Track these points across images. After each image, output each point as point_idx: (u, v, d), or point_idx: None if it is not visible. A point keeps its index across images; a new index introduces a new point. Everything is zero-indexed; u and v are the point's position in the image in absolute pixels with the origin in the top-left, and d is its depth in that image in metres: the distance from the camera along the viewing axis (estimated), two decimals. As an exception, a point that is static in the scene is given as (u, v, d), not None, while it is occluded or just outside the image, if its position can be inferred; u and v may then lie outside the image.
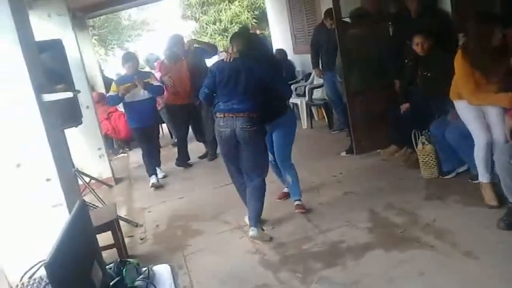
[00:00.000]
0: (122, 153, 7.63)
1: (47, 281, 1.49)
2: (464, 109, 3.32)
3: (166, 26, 17.99)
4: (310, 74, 7.14)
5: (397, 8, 4.88)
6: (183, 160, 5.95)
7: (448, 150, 3.82)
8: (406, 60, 4.45)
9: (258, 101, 3.41)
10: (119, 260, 1.71)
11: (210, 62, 5.68)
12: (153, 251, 3.68)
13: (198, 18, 14.81)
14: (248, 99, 3.37)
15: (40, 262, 1.52)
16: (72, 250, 1.36)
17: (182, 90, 5.63)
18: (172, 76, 5.58)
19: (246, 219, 3.68)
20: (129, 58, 5.18)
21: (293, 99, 6.52)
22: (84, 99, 5.26)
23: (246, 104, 3.37)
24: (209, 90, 3.49)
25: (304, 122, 6.87)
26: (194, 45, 5.92)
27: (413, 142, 4.10)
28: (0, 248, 2.41)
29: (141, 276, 1.69)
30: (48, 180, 2.38)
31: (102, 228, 3.14)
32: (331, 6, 4.78)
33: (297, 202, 3.86)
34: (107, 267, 1.64)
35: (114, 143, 7.73)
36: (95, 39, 15.12)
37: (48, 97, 2.44)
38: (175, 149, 6.15)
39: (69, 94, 2.77)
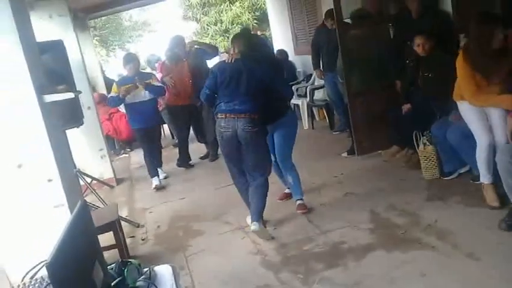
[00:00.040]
0: (123, 153, 7.64)
1: (49, 281, 1.50)
2: (467, 110, 3.32)
3: (167, 27, 18.02)
4: (311, 74, 7.14)
5: (397, 9, 4.88)
6: (184, 161, 5.96)
7: (449, 151, 3.82)
8: (407, 61, 4.45)
9: (259, 101, 3.42)
10: (120, 260, 1.71)
11: (211, 63, 5.69)
12: (155, 252, 3.68)
13: (199, 19, 14.83)
14: (249, 100, 3.38)
15: (41, 262, 1.52)
16: (74, 250, 1.36)
17: (183, 91, 5.63)
18: (174, 77, 5.58)
19: (248, 220, 3.68)
20: (130, 59, 5.18)
21: (294, 100, 6.52)
22: (86, 100, 5.27)
23: (247, 104, 3.37)
24: (210, 91, 3.49)
25: (305, 122, 6.87)
26: (195, 47, 5.92)
27: (415, 143, 4.09)
28: (1, 248, 2.41)
29: (142, 277, 1.69)
30: (49, 180, 2.37)
31: (104, 229, 3.14)
32: (331, 7, 4.78)
33: (298, 202, 3.87)
34: (108, 267, 1.65)
35: (115, 144, 7.73)
36: (96, 40, 15.14)
37: (50, 98, 2.44)
38: (177, 150, 6.15)
39: (71, 95, 2.77)
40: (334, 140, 6.00)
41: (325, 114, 6.72)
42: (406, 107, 4.38)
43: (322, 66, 6.19)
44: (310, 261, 3.04)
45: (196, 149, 6.30)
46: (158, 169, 5.48)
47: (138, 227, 4.24)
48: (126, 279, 1.62)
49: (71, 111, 4.07)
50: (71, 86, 3.74)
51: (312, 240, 3.32)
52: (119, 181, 5.92)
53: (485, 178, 3.31)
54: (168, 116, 6.36)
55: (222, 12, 14.03)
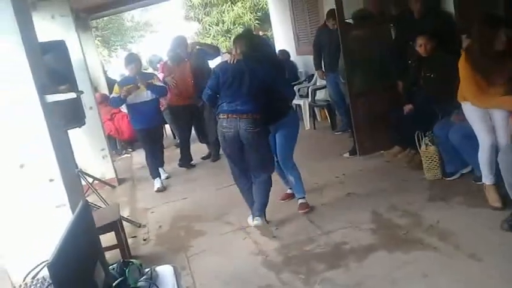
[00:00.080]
0: (125, 153, 7.64)
1: (50, 282, 1.50)
2: (470, 111, 3.31)
3: (169, 27, 18.03)
4: (313, 75, 7.13)
5: (398, 9, 4.88)
6: (186, 161, 5.96)
7: (451, 152, 3.81)
8: (409, 61, 4.45)
9: (261, 102, 3.43)
10: (121, 260, 1.71)
11: (212, 63, 5.69)
12: (156, 252, 3.68)
13: (201, 20, 14.82)
14: (251, 101, 3.39)
15: (43, 262, 1.52)
16: (75, 251, 1.36)
17: (185, 91, 5.63)
18: (175, 77, 5.59)
19: (249, 220, 3.69)
20: (132, 60, 5.17)
21: (296, 100, 6.51)
22: (88, 100, 5.27)
23: (249, 105, 3.38)
24: (212, 92, 3.50)
25: (307, 123, 6.87)
26: (197, 47, 5.93)
27: (417, 143, 4.09)
28: (3, 248, 2.41)
29: (143, 277, 1.69)
30: (51, 180, 2.38)
31: (105, 229, 3.15)
32: (333, 7, 4.78)
33: (300, 200, 3.88)
34: (109, 267, 1.65)
35: (117, 144, 7.74)
36: (98, 40, 15.14)
37: (52, 98, 2.44)
38: (178, 150, 6.16)
39: (73, 95, 2.77)
40: (335, 140, 5.99)
41: (327, 114, 6.72)
42: (408, 108, 4.37)
43: (324, 67, 6.19)
44: (312, 262, 3.04)
45: (198, 149, 6.30)
46: (160, 169, 5.48)
47: (139, 227, 4.24)
48: (127, 280, 1.62)
49: (73, 111, 4.08)
50: (73, 86, 3.75)
51: (314, 241, 3.32)
52: (121, 181, 5.93)
53: (487, 179, 3.31)
54: (169, 116, 6.37)
55: (223, 13, 14.02)
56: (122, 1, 8.12)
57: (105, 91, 7.87)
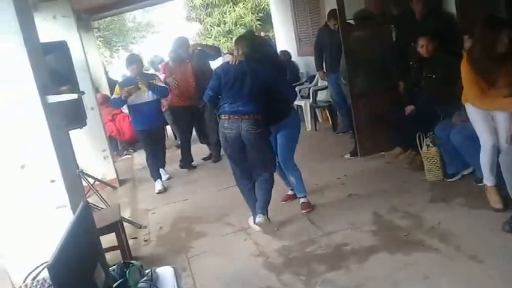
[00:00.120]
0: (126, 154, 7.64)
1: (50, 283, 1.49)
2: (473, 113, 3.31)
3: (171, 28, 18.05)
4: (314, 76, 7.13)
5: (400, 10, 4.87)
6: (187, 162, 5.96)
7: (452, 153, 3.81)
8: (411, 62, 4.44)
9: (262, 102, 3.43)
10: (122, 261, 1.71)
11: (214, 64, 5.69)
12: (157, 253, 3.68)
13: (203, 20, 14.84)
14: (253, 101, 3.39)
15: (43, 263, 1.52)
16: (76, 252, 1.36)
17: (186, 92, 5.63)
18: (177, 78, 5.59)
19: (250, 222, 3.69)
20: (133, 60, 5.16)
21: (297, 101, 6.51)
22: (89, 101, 5.27)
23: (251, 106, 3.38)
24: (214, 92, 3.50)
25: (308, 124, 6.86)
26: (198, 48, 5.93)
27: (418, 144, 4.08)
28: (4, 249, 2.42)
29: (144, 278, 1.68)
30: (52, 181, 2.38)
31: (106, 230, 3.14)
32: (335, 7, 4.78)
33: (302, 200, 3.89)
34: (110, 269, 1.64)
35: (118, 145, 7.74)
36: (100, 41, 15.16)
37: (53, 98, 2.45)
38: (179, 151, 6.16)
39: (74, 95, 2.78)
40: (337, 141, 5.98)
41: (328, 115, 6.71)
42: (409, 109, 4.37)
43: (325, 67, 6.19)
44: (313, 263, 3.03)
45: (199, 150, 6.30)
46: (161, 170, 5.48)
47: (140, 228, 4.24)
48: (128, 281, 1.62)
49: (74, 112, 4.08)
50: (74, 87, 3.76)
51: (315, 242, 3.31)
52: (122, 182, 5.93)
53: (488, 180, 3.30)
54: (170, 117, 6.37)
55: (225, 14, 14.04)
56: (124, 2, 8.13)
57: (107, 92, 7.87)
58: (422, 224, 3.27)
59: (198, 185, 5.24)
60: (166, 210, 4.64)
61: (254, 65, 3.42)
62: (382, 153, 4.85)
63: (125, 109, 6.25)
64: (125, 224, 3.85)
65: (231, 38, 13.25)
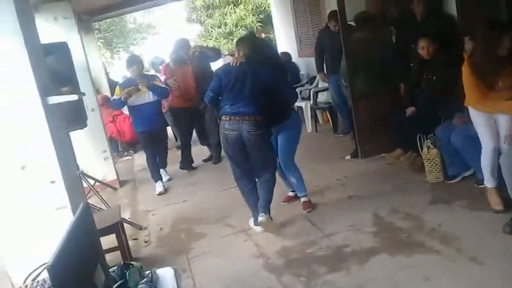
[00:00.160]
0: (126, 155, 7.64)
1: (50, 284, 1.49)
2: (476, 116, 3.30)
3: (172, 29, 18.06)
4: (315, 77, 7.13)
5: (400, 11, 4.87)
6: (187, 163, 5.96)
7: (453, 154, 3.80)
8: (412, 64, 4.44)
9: (263, 104, 3.43)
10: (122, 263, 1.71)
11: (214, 66, 5.69)
12: (157, 254, 3.68)
13: (203, 22, 14.86)
14: (254, 103, 3.40)
15: (43, 264, 1.52)
16: (76, 253, 1.35)
17: (186, 94, 5.63)
18: (177, 79, 5.59)
19: (250, 223, 3.69)
20: (133, 61, 5.16)
21: (298, 103, 6.50)
22: (89, 102, 5.27)
23: (251, 107, 3.39)
24: (214, 94, 3.51)
25: (308, 125, 6.86)
26: (198, 50, 5.93)
27: (419, 146, 4.08)
28: (4, 249, 2.42)
29: (144, 280, 1.68)
30: (52, 182, 2.38)
31: (106, 231, 3.14)
32: (335, 8, 4.78)
33: (303, 199, 3.90)
34: (110, 270, 1.64)
35: (119, 146, 7.74)
36: (101, 42, 15.19)
37: (54, 99, 2.45)
38: (180, 152, 6.16)
39: (75, 97, 2.78)
40: (337, 142, 5.98)
41: (329, 117, 6.71)
42: (410, 110, 4.36)
43: (326, 69, 6.19)
44: (313, 265, 3.03)
45: (199, 151, 6.30)
46: (162, 171, 5.47)
47: (140, 229, 4.23)
48: (128, 282, 1.61)
49: (75, 113, 4.08)
50: (75, 88, 3.76)
51: (315, 243, 3.31)
52: (122, 183, 5.92)
53: (489, 182, 3.30)
54: (171, 118, 6.37)
55: (226, 15, 14.05)
56: (125, 3, 8.14)
57: (107, 93, 7.87)
58: (423, 226, 3.27)
59: (199, 187, 5.24)
60: (166, 211, 4.63)
61: (255, 66, 3.43)
62: (383, 154, 4.85)
63: (126, 110, 6.24)
64: (125, 225, 3.84)
65: (232, 40, 13.26)
